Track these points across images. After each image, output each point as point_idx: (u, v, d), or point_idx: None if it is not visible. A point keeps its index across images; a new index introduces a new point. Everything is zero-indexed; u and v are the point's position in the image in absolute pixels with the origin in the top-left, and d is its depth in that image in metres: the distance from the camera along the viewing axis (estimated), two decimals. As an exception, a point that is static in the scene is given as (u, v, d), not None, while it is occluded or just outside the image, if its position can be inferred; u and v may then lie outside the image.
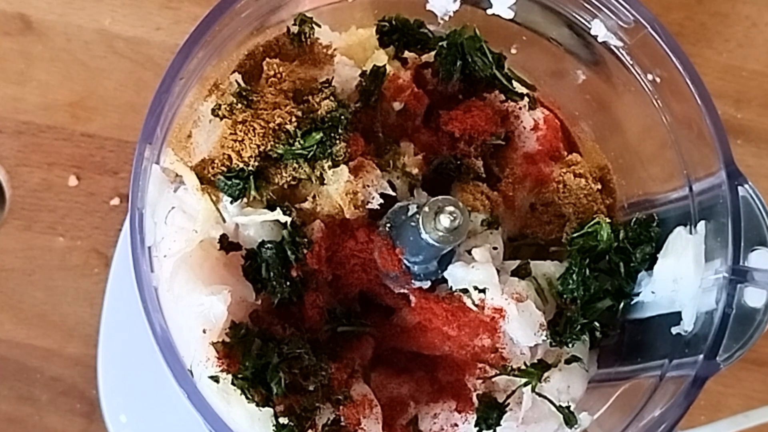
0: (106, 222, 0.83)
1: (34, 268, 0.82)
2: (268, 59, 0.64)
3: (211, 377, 0.59)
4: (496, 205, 0.67)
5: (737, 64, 0.88)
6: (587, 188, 0.68)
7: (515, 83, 0.69)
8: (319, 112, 0.62)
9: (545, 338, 0.63)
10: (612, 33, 0.65)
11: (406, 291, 0.64)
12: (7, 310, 0.82)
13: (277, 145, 0.61)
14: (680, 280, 0.61)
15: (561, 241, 0.68)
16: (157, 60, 0.84)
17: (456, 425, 0.64)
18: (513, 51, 0.71)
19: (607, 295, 0.64)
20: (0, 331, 0.81)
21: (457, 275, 0.63)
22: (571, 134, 0.73)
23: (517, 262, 0.66)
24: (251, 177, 0.61)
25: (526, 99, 0.70)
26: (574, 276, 0.64)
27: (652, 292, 0.63)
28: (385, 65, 0.66)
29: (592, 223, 0.65)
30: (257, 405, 0.59)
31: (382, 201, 0.63)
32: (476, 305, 0.63)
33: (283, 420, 0.59)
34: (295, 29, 0.65)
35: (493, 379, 0.64)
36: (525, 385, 0.63)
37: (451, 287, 0.64)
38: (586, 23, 0.66)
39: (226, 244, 0.62)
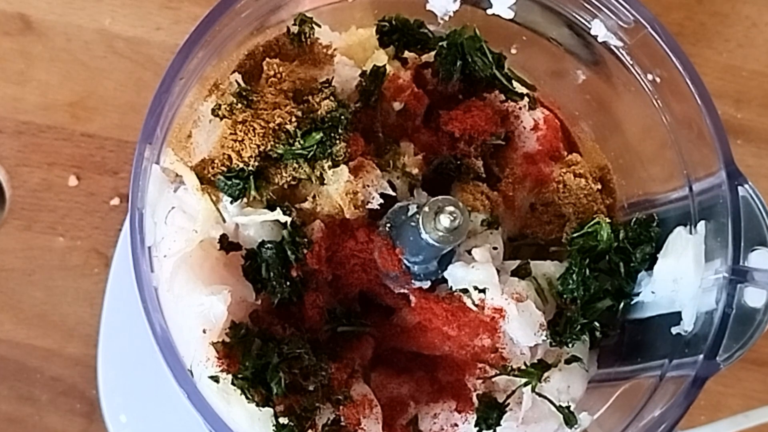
0: (106, 222, 0.83)
1: (34, 268, 0.82)
2: (268, 59, 0.64)
3: (211, 377, 0.59)
4: (496, 205, 0.67)
5: (737, 64, 0.88)
6: (587, 188, 0.68)
7: (515, 83, 0.69)
8: (319, 112, 0.62)
9: (545, 338, 0.63)
10: (612, 33, 0.65)
11: (406, 291, 0.64)
12: (7, 310, 0.82)
13: (277, 145, 0.61)
14: (680, 280, 0.61)
15: (561, 241, 0.68)
16: (157, 60, 0.84)
17: (456, 425, 0.64)
18: (513, 51, 0.71)
19: (607, 295, 0.64)
20: (0, 331, 0.81)
21: (457, 275, 0.63)
22: (571, 134, 0.73)
23: (517, 262, 0.66)
24: (251, 177, 0.61)
25: (526, 99, 0.70)
26: (574, 276, 0.64)
27: (652, 292, 0.63)
28: (385, 65, 0.66)
29: (592, 223, 0.65)
30: (257, 405, 0.59)
31: (382, 201, 0.63)
32: (476, 305, 0.63)
33: (283, 420, 0.59)
34: (295, 29, 0.65)
35: (493, 379, 0.64)
36: (525, 385, 0.63)
37: (451, 287, 0.63)
38: (586, 23, 0.66)
39: (226, 244, 0.62)
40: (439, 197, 0.60)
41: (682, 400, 0.58)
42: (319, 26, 0.66)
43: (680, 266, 0.61)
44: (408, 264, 0.63)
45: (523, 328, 0.62)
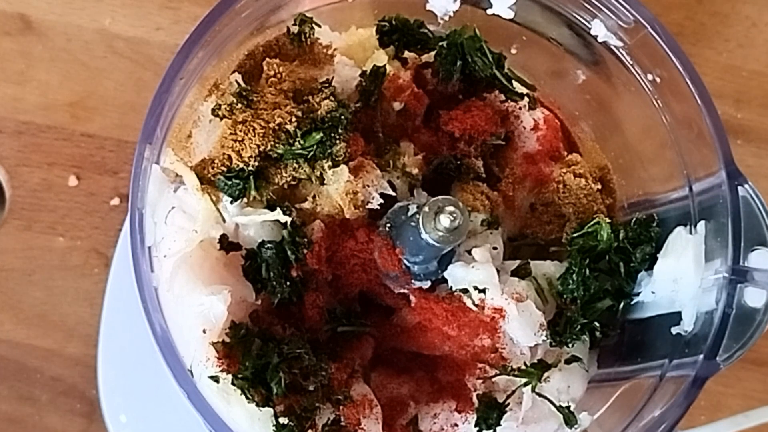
0: (106, 222, 0.83)
1: (34, 268, 0.82)
2: (268, 59, 0.64)
3: (211, 377, 0.59)
4: (496, 205, 0.67)
5: (737, 64, 0.88)
6: (587, 188, 0.68)
7: (515, 83, 0.69)
8: (319, 112, 0.62)
9: (545, 338, 0.63)
10: (612, 33, 0.65)
11: (406, 291, 0.64)
12: (7, 310, 0.82)
13: (277, 145, 0.61)
14: (680, 280, 0.61)
15: (561, 241, 0.68)
16: (157, 60, 0.84)
17: (456, 425, 0.64)
18: (513, 51, 0.71)
19: (607, 295, 0.64)
20: (0, 331, 0.81)
21: (457, 275, 0.63)
22: (571, 134, 0.73)
23: (517, 262, 0.66)
24: (251, 177, 0.61)
25: (526, 99, 0.70)
26: (574, 276, 0.64)
27: (652, 292, 0.63)
28: (385, 65, 0.66)
29: (592, 223, 0.65)
30: (257, 405, 0.59)
31: (382, 201, 0.63)
32: (476, 305, 0.63)
33: (283, 420, 0.59)
34: (295, 29, 0.65)
35: (493, 379, 0.64)
36: (525, 385, 0.63)
37: (451, 287, 0.63)
38: (586, 23, 0.66)
39: (226, 244, 0.62)
40: (439, 197, 0.60)
41: (682, 400, 0.58)
42: (319, 26, 0.66)
43: (680, 266, 0.61)
44: (408, 264, 0.63)
45: (523, 328, 0.62)
